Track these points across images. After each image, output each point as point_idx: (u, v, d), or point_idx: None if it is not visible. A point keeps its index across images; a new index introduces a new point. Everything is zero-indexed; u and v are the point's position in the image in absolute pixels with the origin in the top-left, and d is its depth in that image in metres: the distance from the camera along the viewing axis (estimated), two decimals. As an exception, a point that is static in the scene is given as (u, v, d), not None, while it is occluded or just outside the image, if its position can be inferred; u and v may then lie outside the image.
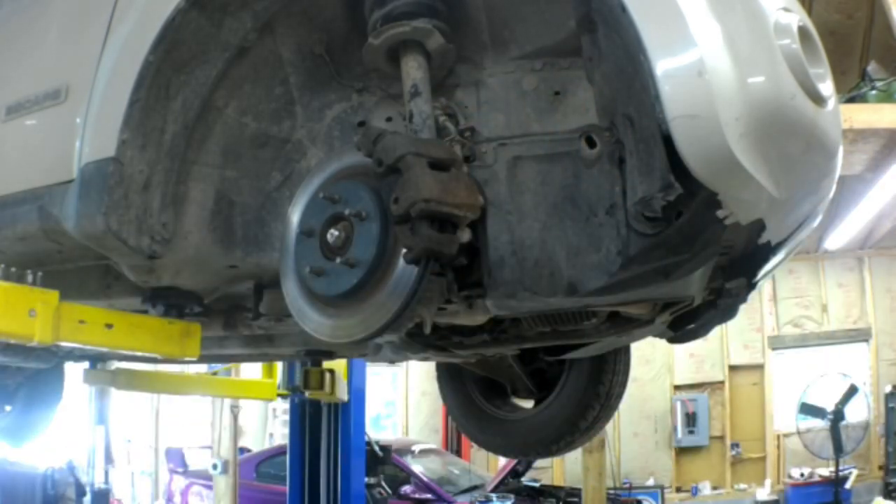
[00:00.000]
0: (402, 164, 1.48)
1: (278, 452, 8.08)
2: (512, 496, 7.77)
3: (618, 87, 1.45)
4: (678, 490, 11.61)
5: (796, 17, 1.45)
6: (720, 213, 1.39)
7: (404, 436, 11.85)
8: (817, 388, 10.42)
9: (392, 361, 2.75)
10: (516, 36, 1.69)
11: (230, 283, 2.17)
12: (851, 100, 6.82)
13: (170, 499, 8.88)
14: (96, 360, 3.61)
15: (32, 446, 4.55)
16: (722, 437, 11.73)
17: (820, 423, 10.32)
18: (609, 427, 10.06)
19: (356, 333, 1.63)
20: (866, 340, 11.57)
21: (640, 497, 10.01)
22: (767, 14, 1.40)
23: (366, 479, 5.97)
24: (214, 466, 6.58)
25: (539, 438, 2.62)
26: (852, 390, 10.22)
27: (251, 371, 5.76)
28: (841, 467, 10.21)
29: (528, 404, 2.82)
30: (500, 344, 2.04)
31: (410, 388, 12.37)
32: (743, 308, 1.78)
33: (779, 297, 11.82)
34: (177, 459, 8.57)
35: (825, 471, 10.51)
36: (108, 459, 8.41)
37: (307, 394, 5.01)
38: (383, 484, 6.86)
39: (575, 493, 8.11)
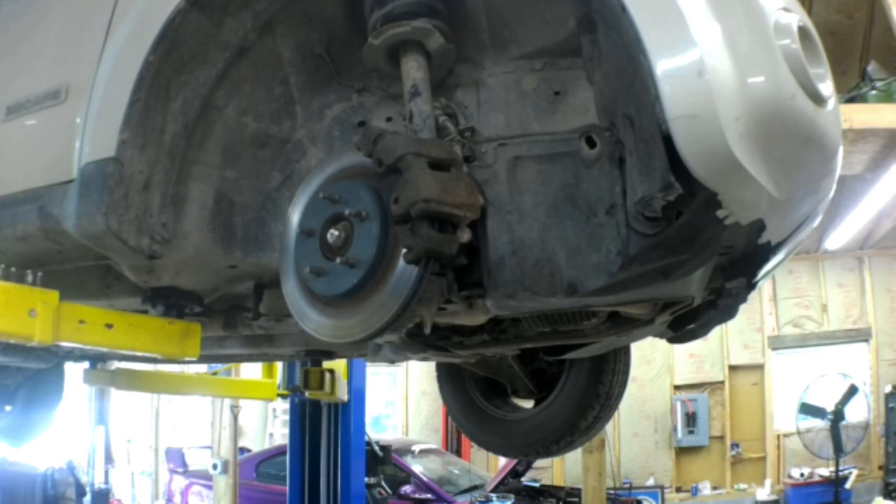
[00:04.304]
0: (402, 164, 1.48)
1: (278, 452, 8.08)
2: (512, 496, 7.76)
3: (618, 87, 1.45)
4: (678, 490, 11.61)
5: (796, 17, 1.44)
6: (720, 213, 1.39)
7: (404, 436, 11.85)
8: (817, 388, 10.41)
9: (392, 361, 2.75)
10: (516, 36, 1.68)
11: (230, 283, 2.17)
12: (851, 100, 6.82)
13: (170, 499, 8.88)
14: (96, 360, 3.61)
15: (32, 446, 4.55)
16: (722, 437, 11.73)
17: (820, 423, 10.32)
18: (609, 427, 10.07)
19: (356, 333, 1.63)
20: (866, 340, 11.56)
21: (640, 497, 10.01)
22: (767, 14, 1.40)
23: (366, 479, 5.98)
24: (214, 466, 6.59)
25: (539, 438, 2.62)
26: (852, 390, 10.22)
27: (251, 371, 5.76)
28: (841, 467, 10.21)
29: (528, 404, 2.81)
30: (500, 344, 2.04)
31: (410, 388, 12.38)
32: (743, 308, 1.78)
33: (779, 297, 11.82)
34: (177, 459, 8.57)
35: (825, 471, 10.51)
36: (108, 459, 8.43)
37: (307, 394, 5.02)
38: (383, 484, 6.87)
39: (575, 493, 8.11)
